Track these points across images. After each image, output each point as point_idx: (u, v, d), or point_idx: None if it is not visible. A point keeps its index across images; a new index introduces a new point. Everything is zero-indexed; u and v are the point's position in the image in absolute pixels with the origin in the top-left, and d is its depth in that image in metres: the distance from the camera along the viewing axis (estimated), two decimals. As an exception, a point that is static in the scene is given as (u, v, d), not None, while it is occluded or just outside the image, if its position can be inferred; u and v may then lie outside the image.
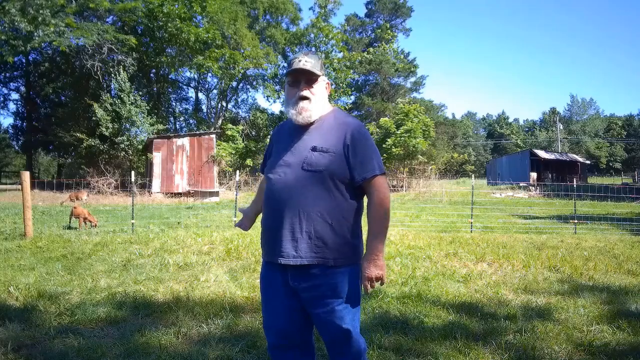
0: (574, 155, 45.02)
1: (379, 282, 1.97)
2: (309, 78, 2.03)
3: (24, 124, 39.87)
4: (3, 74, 37.75)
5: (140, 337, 3.37)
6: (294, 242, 1.96)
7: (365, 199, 2.07)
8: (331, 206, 1.96)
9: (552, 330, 3.57)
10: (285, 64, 42.17)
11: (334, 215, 1.96)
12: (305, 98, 2.02)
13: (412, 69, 40.69)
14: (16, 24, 20.23)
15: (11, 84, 39.32)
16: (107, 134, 24.55)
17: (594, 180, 46.27)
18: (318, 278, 1.97)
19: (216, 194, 20.06)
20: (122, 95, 24.71)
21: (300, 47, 40.69)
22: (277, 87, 39.33)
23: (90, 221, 9.27)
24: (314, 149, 1.99)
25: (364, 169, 1.98)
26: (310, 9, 38.20)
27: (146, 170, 25.68)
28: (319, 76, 2.05)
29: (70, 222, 9.56)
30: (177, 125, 41.03)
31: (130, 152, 25.71)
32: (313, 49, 36.56)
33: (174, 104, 41.39)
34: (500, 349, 3.22)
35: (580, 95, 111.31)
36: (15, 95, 41.06)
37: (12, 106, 41.29)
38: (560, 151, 49.31)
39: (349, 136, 1.99)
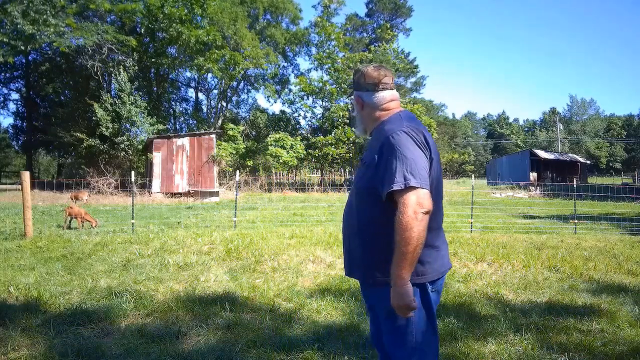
0: (574, 155, 45.02)
1: (405, 311, 1.76)
2: None
3: (24, 124, 39.89)
4: (3, 74, 37.78)
5: (141, 337, 3.37)
6: (345, 256, 2.07)
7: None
8: (369, 222, 1.90)
9: (552, 329, 3.57)
10: (286, 64, 42.37)
11: (372, 231, 1.89)
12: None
13: (413, 70, 40.71)
14: (19, 26, 20.27)
15: (11, 84, 39.39)
16: (107, 134, 24.56)
17: (594, 180, 46.28)
18: (365, 293, 2.02)
19: (216, 194, 20.06)
20: (122, 96, 24.73)
21: (301, 47, 40.72)
22: (278, 87, 39.34)
23: (89, 221, 9.21)
24: (361, 162, 2.04)
25: (385, 182, 1.79)
26: (313, 6, 38.10)
27: (146, 170, 25.69)
28: (353, 93, 2.15)
29: (69, 223, 9.36)
30: (177, 125, 41.05)
31: (130, 152, 25.73)
32: (314, 49, 36.60)
33: (174, 104, 41.43)
34: (500, 349, 3.22)
35: (580, 95, 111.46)
36: (15, 95, 41.15)
37: (12, 106, 41.38)
38: (560, 151, 49.31)
39: (379, 145, 1.88)
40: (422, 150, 1.84)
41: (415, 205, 1.71)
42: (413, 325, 1.87)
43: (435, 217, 1.86)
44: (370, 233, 1.90)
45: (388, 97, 2.03)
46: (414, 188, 1.73)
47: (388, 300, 1.79)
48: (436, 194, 1.89)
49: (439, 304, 2.11)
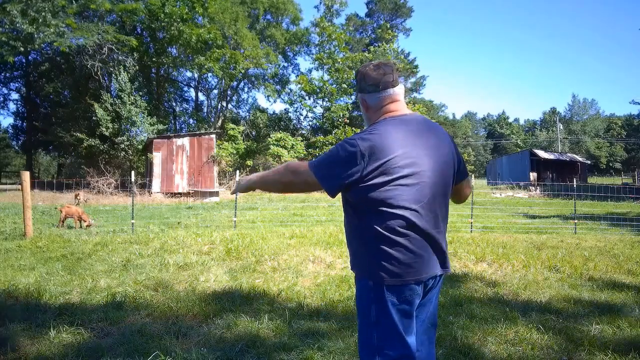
0: (574, 155, 44.97)
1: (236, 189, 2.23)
2: None
3: (24, 124, 39.92)
4: (3, 74, 37.79)
5: (140, 337, 3.37)
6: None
7: (379, 219, 1.80)
8: (345, 216, 2.01)
9: (552, 329, 3.57)
10: (286, 64, 42.35)
11: (348, 230, 1.98)
12: None
13: (413, 70, 40.70)
14: (17, 25, 20.27)
15: (11, 84, 39.40)
16: (107, 134, 24.56)
17: (594, 180, 46.26)
18: None
19: (216, 194, 20.05)
20: (122, 96, 24.72)
21: (301, 46, 40.71)
22: (278, 87, 39.33)
23: (84, 220, 9.23)
24: None
25: None
26: (315, 7, 38.17)
27: (146, 170, 25.68)
28: (358, 95, 2.06)
29: (62, 223, 9.36)
30: (177, 125, 41.06)
31: (130, 152, 25.72)
32: (314, 49, 36.61)
33: (174, 103, 41.43)
34: (500, 349, 3.22)
35: (579, 95, 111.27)
36: (15, 95, 41.17)
37: (12, 106, 41.40)
38: (560, 151, 49.28)
39: None
40: (349, 159, 1.77)
41: (295, 172, 1.90)
42: (377, 327, 1.80)
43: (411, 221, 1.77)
44: (348, 232, 1.98)
45: (388, 99, 1.98)
46: (311, 166, 1.86)
47: (361, 295, 1.89)
48: (416, 199, 1.78)
49: (428, 315, 1.96)
